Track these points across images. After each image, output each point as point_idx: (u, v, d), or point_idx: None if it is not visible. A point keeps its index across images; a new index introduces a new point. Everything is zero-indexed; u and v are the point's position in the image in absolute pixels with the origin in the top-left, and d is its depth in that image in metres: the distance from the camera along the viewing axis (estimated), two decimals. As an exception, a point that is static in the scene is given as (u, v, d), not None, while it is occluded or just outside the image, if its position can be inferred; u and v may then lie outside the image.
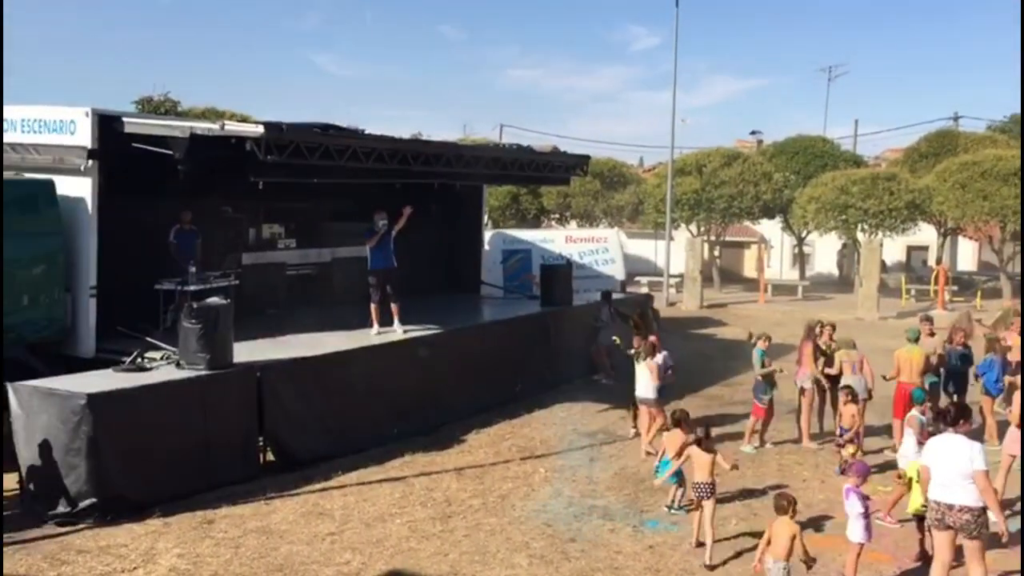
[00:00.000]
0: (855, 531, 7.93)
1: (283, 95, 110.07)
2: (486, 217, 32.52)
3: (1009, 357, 12.96)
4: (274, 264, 15.98)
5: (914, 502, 8.41)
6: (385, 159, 13.13)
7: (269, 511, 9.69)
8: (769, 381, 12.38)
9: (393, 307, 13.55)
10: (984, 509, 7.11)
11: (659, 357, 12.23)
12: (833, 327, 13.48)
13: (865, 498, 7.99)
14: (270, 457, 11.24)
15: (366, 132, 13.46)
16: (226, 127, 11.32)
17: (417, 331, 13.74)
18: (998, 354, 12.99)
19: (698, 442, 9.05)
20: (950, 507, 7.15)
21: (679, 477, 9.87)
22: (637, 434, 12.59)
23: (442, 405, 13.27)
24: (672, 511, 9.94)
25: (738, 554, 8.70)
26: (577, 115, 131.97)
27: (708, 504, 8.78)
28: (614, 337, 14.57)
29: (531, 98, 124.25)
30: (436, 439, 12.48)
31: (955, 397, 13.25)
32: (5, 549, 8.32)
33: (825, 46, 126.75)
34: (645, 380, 12.11)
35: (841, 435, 11.28)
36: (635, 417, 12.78)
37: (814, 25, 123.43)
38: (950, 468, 7.17)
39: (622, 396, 15.02)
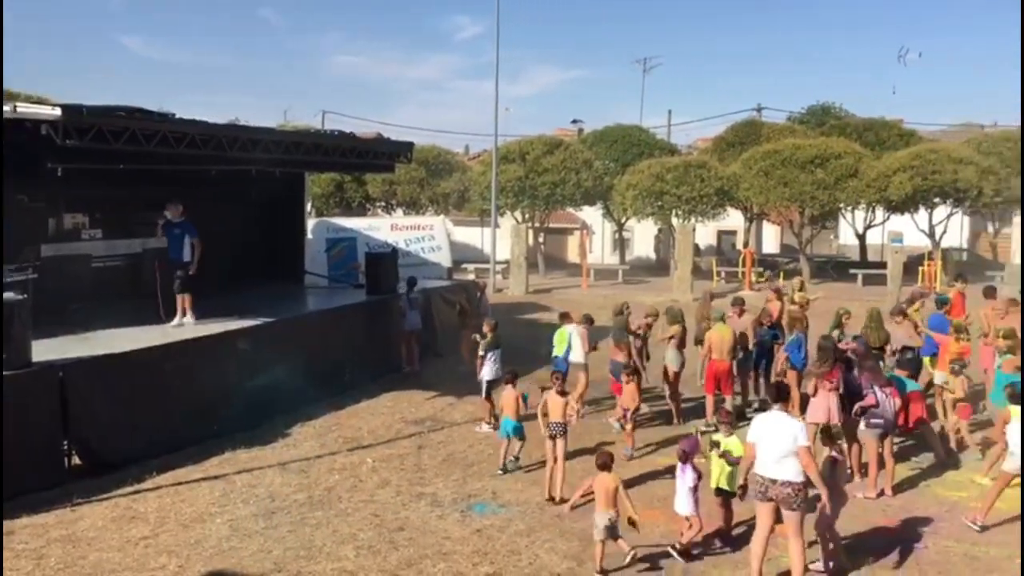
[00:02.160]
0: (685, 504, 8.28)
1: (88, 78, 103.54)
2: (309, 205, 31.90)
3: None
4: (78, 256, 14.93)
5: (717, 477, 8.72)
6: (199, 144, 12.54)
7: (75, 518, 9.10)
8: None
9: (179, 300, 13.20)
10: (804, 484, 7.50)
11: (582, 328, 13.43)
12: (656, 315, 14.13)
13: (698, 473, 8.32)
14: (77, 461, 10.54)
15: (176, 116, 12.81)
16: (18, 109, 10.48)
17: (237, 323, 13.26)
18: (802, 331, 13.87)
19: (560, 391, 10.16)
20: (773, 481, 7.50)
21: (520, 432, 10.66)
22: (495, 427, 12.18)
23: (265, 398, 12.84)
24: (509, 469, 10.65)
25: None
26: (403, 103, 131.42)
27: (560, 441, 9.90)
28: (475, 335, 14.51)
29: (356, 85, 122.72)
30: (258, 434, 12.09)
31: (763, 372, 14.12)
32: None
33: (641, 38, 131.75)
34: (578, 347, 13.15)
35: (624, 415, 11.57)
36: (492, 408, 12.65)
37: (632, 17, 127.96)
38: (776, 445, 7.51)
39: (450, 384, 15.14)
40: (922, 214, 33.11)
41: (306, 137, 17.38)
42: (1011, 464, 9.01)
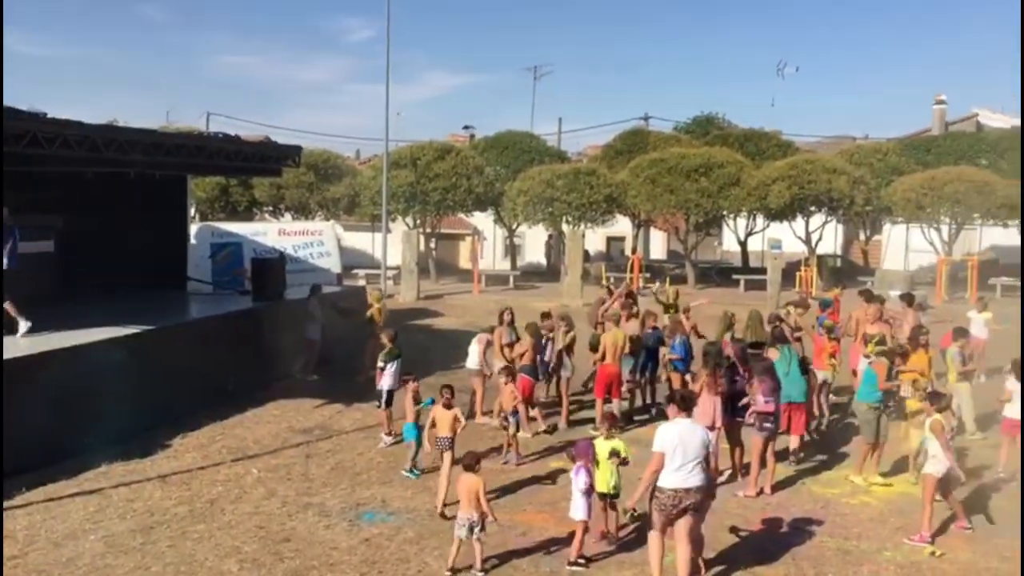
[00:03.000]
0: (578, 508, 8.31)
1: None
2: (192, 209, 31.02)
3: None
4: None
5: (603, 482, 8.73)
6: (72, 146, 12.01)
7: (-65, 540, 8.57)
8: None
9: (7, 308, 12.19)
10: (703, 487, 7.59)
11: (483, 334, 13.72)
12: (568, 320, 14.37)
13: (590, 477, 8.32)
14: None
15: (48, 116, 12.25)
16: None
17: (115, 331, 12.74)
18: (684, 334, 14.23)
19: (446, 404, 9.98)
20: (687, 491, 7.48)
21: (419, 435, 10.57)
22: (397, 441, 12.00)
23: (144, 409, 12.36)
24: (414, 472, 10.70)
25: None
26: (294, 106, 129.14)
27: (447, 455, 9.74)
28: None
29: (243, 87, 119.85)
30: (138, 446, 11.61)
31: (649, 376, 14.39)
32: None
33: (533, 46, 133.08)
34: (473, 354, 13.43)
35: (505, 418, 11.52)
36: (389, 420, 12.42)
37: (524, 25, 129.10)
38: (690, 453, 7.48)
39: (339, 391, 14.92)
40: (799, 222, 34.46)
41: (188, 139, 16.84)
42: (935, 467, 9.20)
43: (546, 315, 14.37)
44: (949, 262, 31.59)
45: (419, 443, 10.67)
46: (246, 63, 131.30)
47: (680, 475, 7.46)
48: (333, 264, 23.20)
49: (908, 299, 15.18)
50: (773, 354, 11.78)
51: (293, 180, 34.26)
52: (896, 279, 31.41)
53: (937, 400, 9.59)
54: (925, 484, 9.26)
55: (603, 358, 13.08)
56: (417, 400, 10.93)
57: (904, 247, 38.80)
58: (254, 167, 18.49)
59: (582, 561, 8.31)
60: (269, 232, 23.31)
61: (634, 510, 8.35)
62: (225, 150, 15.83)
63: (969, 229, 35.56)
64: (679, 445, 7.47)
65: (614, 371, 13.06)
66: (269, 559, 8.39)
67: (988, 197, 31.24)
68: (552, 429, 13.00)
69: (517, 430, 11.55)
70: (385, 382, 12.43)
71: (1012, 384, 11.25)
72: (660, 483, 7.52)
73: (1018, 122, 41.92)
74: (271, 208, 37.89)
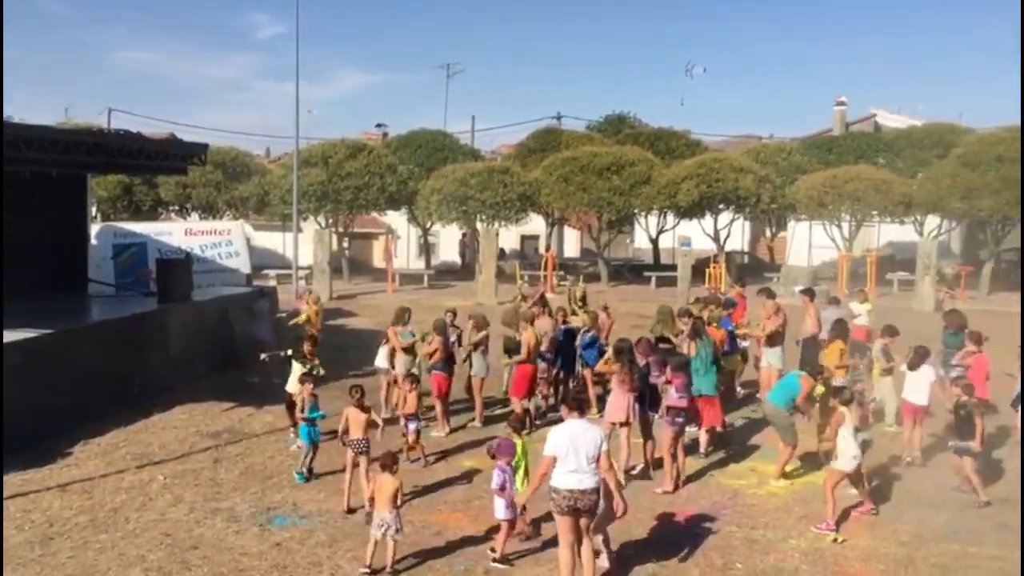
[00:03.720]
0: (497, 507, 8.33)
1: None
2: (93, 209, 30.00)
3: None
4: None
5: (520, 480, 8.74)
6: (-40, 142, 11.50)
7: None
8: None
9: None
10: (598, 488, 7.58)
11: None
12: (454, 312, 14.25)
13: (506, 476, 8.31)
14: None
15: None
16: None
17: (12, 335, 12.20)
18: (599, 330, 14.39)
19: (359, 405, 9.80)
20: (583, 492, 7.44)
21: (312, 441, 10.53)
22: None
23: (43, 416, 11.90)
24: (300, 475, 10.48)
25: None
26: (202, 103, 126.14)
27: (363, 459, 9.64)
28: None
29: (148, 83, 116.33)
30: (36, 455, 11.16)
31: (563, 371, 14.47)
32: None
33: (446, 44, 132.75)
34: (381, 353, 13.36)
35: (406, 424, 11.22)
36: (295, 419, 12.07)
37: (436, 23, 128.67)
38: (585, 454, 7.40)
39: (248, 394, 14.63)
40: (708, 219, 35.19)
41: (87, 136, 16.31)
42: (842, 463, 9.45)
43: (451, 312, 14.29)
44: (850, 258, 32.69)
45: (311, 446, 10.61)
46: (151, 59, 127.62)
47: (575, 477, 7.40)
48: (242, 264, 22.76)
49: (809, 293, 15.65)
50: (691, 348, 11.99)
51: (200, 179, 33.43)
52: (800, 275, 32.33)
53: (840, 393, 9.91)
54: (828, 477, 9.56)
55: (523, 358, 13.00)
56: (301, 407, 10.74)
57: (808, 243, 40.02)
58: (158, 165, 17.97)
59: (497, 556, 8.32)
60: (175, 232, 22.75)
61: (524, 509, 8.34)
62: (127, 147, 15.33)
63: (868, 226, 36.83)
64: (571, 447, 7.43)
65: (532, 370, 13.09)
66: (176, 567, 8.17)
67: (886, 195, 32.42)
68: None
69: (418, 436, 11.29)
70: (289, 383, 12.24)
71: (926, 370, 11.64)
72: (555, 484, 7.45)
73: (914, 122, 43.72)
74: (177, 208, 36.88)
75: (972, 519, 9.61)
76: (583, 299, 16.41)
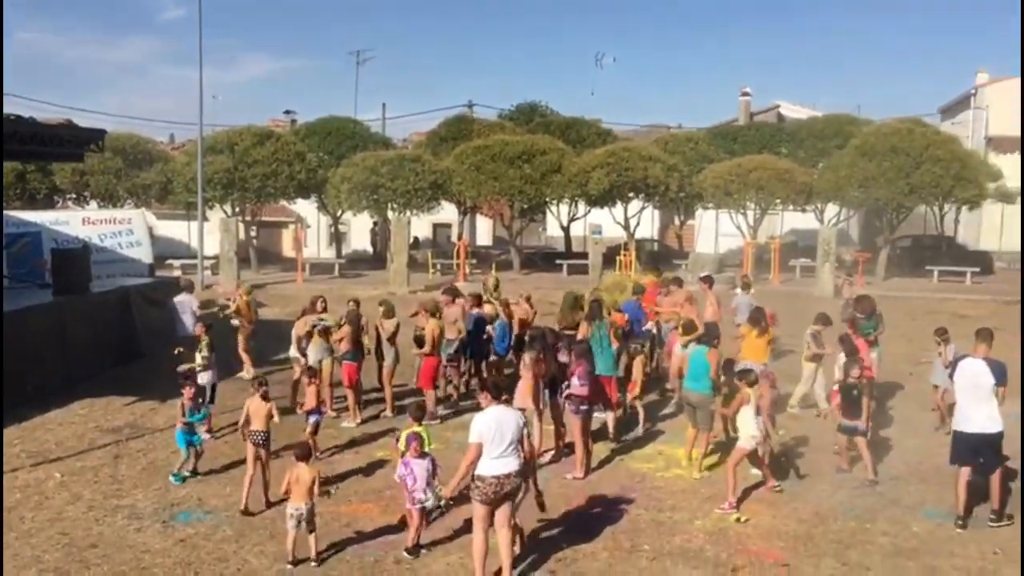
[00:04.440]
0: (408, 499, 8.21)
1: None
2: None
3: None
4: None
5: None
6: None
7: None
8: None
9: None
10: (522, 471, 7.67)
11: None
12: (358, 302, 14.15)
13: (412, 468, 8.20)
14: None
15: None
16: None
17: None
18: (509, 318, 14.44)
19: (263, 396, 9.58)
20: (508, 476, 7.50)
21: (190, 446, 10.22)
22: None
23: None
24: (177, 477, 10.15)
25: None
26: (103, 88, 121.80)
27: (263, 451, 9.48)
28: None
29: (44, 66, 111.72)
30: (-78, 455, 10.69)
31: (473, 360, 14.45)
32: None
33: (356, 31, 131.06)
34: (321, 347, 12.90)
35: (308, 418, 10.89)
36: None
37: (345, 9, 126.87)
38: (507, 438, 7.48)
39: (151, 387, 14.22)
40: (618, 208, 35.65)
41: (-26, 121, 15.55)
42: (743, 443, 9.72)
43: (354, 301, 14.11)
44: (754, 245, 33.56)
45: (189, 451, 10.30)
46: (45, 41, 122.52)
47: (501, 462, 7.48)
48: (144, 254, 22.06)
49: (707, 281, 16.02)
50: (585, 328, 12.12)
51: (99, 166, 32.34)
52: (707, 262, 33.11)
53: (746, 376, 10.18)
54: (732, 455, 9.83)
55: (427, 350, 12.84)
56: (182, 411, 10.32)
57: (715, 232, 40.93)
58: (52, 152, 17.21)
59: (410, 549, 8.27)
60: (72, 221, 21.92)
61: (451, 500, 8.22)
62: (18, 133, 14.67)
63: (772, 214, 37.88)
64: (497, 432, 7.49)
65: (436, 362, 13.02)
66: (74, 567, 7.91)
67: (788, 184, 33.36)
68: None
69: (316, 430, 10.89)
70: (203, 377, 12.00)
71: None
72: (480, 472, 7.48)
73: (816, 113, 45.07)
74: (74, 196, 35.60)
75: (867, 497, 9.98)
76: (496, 288, 16.38)
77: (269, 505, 9.35)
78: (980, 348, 9.23)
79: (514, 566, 7.77)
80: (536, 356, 10.79)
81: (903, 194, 31.73)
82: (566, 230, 38.94)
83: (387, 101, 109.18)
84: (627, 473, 10.86)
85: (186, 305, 15.09)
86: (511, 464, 7.52)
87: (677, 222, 43.31)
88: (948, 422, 10.88)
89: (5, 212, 22.55)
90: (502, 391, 8.08)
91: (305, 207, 41.62)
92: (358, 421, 12.68)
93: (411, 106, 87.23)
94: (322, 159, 36.92)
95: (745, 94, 49.06)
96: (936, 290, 29.24)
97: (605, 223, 36.62)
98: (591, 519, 9.29)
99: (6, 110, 16.09)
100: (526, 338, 12.66)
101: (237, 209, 34.83)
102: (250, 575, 7.87)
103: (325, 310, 13.68)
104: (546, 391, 11.12)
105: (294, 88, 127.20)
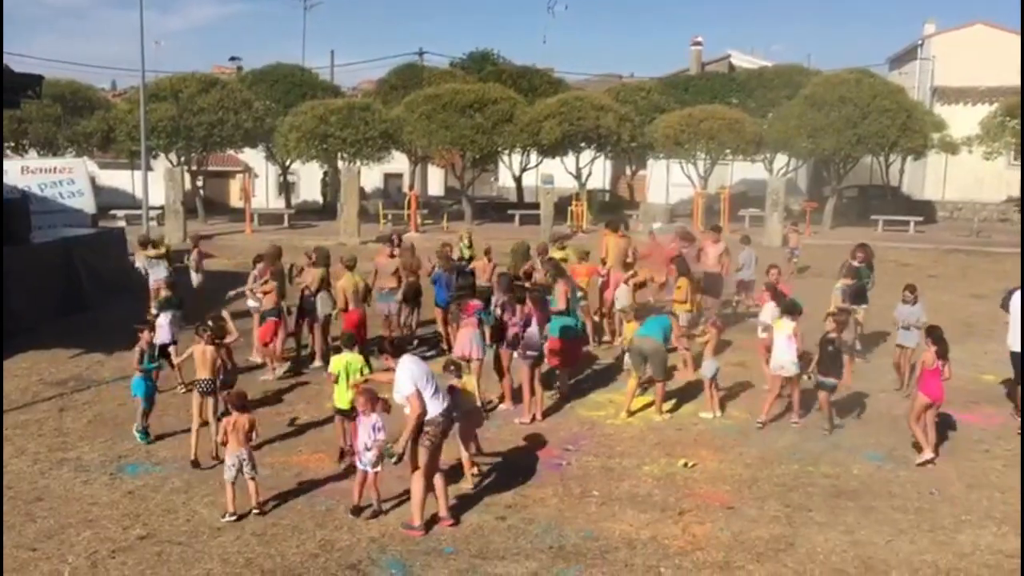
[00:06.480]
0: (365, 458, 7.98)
1: None
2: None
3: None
4: None
5: (341, 399, 8.98)
6: None
7: None
8: None
9: None
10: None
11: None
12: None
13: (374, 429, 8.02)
14: None
15: None
16: None
17: None
18: (447, 271, 14.25)
19: (212, 340, 9.43)
20: (446, 414, 7.77)
21: (147, 396, 9.85)
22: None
23: None
24: (142, 435, 9.85)
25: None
26: (39, 31, 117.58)
27: (210, 400, 9.39)
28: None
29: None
30: None
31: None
32: None
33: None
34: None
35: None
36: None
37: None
38: (433, 378, 7.76)
39: (97, 339, 14.02)
40: (570, 157, 35.59)
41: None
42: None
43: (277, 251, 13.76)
44: (705, 195, 33.80)
45: (146, 401, 9.86)
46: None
47: (437, 401, 7.67)
48: (86, 204, 21.63)
49: (717, 231, 16.72)
50: (563, 291, 11.94)
51: (37, 113, 31.27)
52: (659, 212, 33.31)
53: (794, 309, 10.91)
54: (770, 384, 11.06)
55: (344, 306, 12.57)
56: (140, 357, 9.85)
57: (666, 182, 41.09)
58: (-14, 98, 16.67)
59: (353, 509, 8.08)
60: (10, 170, 21.33)
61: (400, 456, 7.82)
62: (-51, 78, 14.17)
63: (722, 164, 38.09)
64: (427, 373, 7.71)
65: (356, 316, 12.55)
66: (19, 520, 7.82)
67: (738, 134, 33.54)
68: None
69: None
70: (160, 335, 11.22)
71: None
72: (429, 416, 7.57)
73: (766, 63, 45.21)
74: (12, 144, 34.52)
75: (811, 441, 10.22)
76: (470, 244, 16.64)
77: (218, 459, 9.27)
78: None
79: (463, 511, 7.93)
80: (510, 302, 10.94)
81: (850, 144, 32.11)
82: (518, 180, 38.81)
83: (336, 48, 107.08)
84: (577, 420, 10.98)
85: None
86: (446, 401, 7.78)
87: (629, 172, 43.35)
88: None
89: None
90: (402, 350, 8.07)
91: (253, 156, 40.87)
92: (275, 376, 12.58)
93: (360, 53, 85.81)
94: (269, 107, 36.20)
95: (696, 44, 48.91)
96: (881, 239, 29.73)
97: (557, 173, 36.54)
98: (541, 465, 9.40)
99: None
100: (494, 283, 12.36)
101: (183, 158, 34.10)
102: (199, 525, 7.84)
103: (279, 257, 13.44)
104: (488, 340, 11.19)
105: (239, 34, 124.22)
